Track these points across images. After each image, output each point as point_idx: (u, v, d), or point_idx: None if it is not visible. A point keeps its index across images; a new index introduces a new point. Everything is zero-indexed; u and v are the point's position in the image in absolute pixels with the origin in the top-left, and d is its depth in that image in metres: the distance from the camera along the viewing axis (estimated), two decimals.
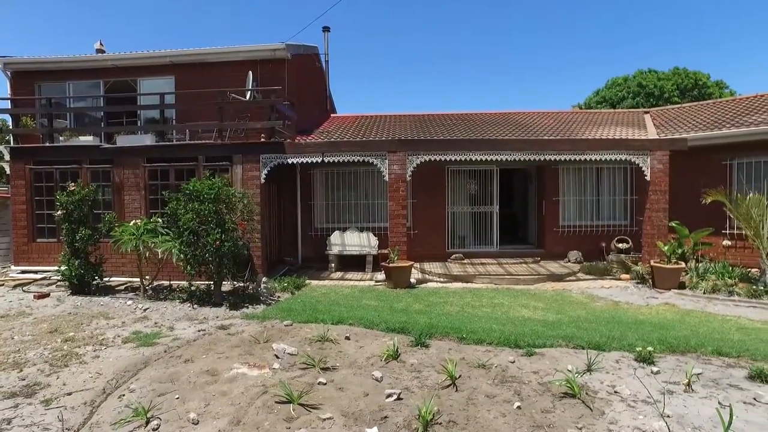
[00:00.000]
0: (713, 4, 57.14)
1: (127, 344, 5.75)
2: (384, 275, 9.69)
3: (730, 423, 3.37)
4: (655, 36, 58.97)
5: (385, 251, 10.09)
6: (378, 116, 15.37)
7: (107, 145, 10.80)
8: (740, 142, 10.60)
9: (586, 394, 4.11)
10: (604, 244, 11.94)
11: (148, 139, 10.68)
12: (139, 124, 12.67)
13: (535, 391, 4.19)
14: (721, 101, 15.12)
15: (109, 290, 8.98)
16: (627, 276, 10.20)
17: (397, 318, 6.65)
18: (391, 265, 9.48)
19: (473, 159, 10.32)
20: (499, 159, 10.41)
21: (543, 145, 10.35)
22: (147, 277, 8.86)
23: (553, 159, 10.51)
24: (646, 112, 15.49)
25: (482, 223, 12.90)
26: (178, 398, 4.10)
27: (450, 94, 67.72)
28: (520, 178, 15.46)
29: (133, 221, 8.70)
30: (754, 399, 4.10)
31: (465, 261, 11.96)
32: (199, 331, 6.30)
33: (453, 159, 10.43)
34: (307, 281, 9.93)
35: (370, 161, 10.25)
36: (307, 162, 10.40)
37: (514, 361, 4.91)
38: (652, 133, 12.13)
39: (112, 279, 9.56)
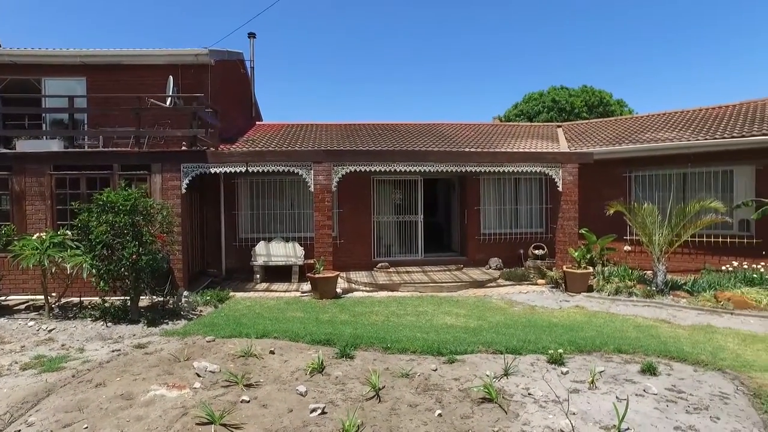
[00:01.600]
0: (614, 30, 62.21)
1: (27, 371, 5.27)
2: (310, 286, 9.65)
3: (624, 415, 3.73)
4: (567, 54, 63.19)
5: (311, 261, 10.05)
6: (304, 125, 15.31)
7: (5, 150, 9.95)
8: (637, 157, 11.67)
9: (503, 397, 4.35)
10: (522, 251, 12.61)
11: (55, 145, 9.95)
12: (44, 128, 11.78)
13: (455, 398, 4.38)
14: (621, 118, 16.54)
15: (6, 310, 8.21)
16: (543, 281, 10.84)
17: (322, 329, 6.66)
18: (316, 275, 9.47)
19: (399, 170, 10.56)
20: (423, 170, 10.73)
21: (465, 157, 10.79)
22: (53, 294, 8.22)
23: (474, 170, 10.97)
24: (559, 126, 16.58)
25: (407, 232, 13.19)
26: (86, 428, 3.85)
27: (377, 104, 68.59)
28: (443, 188, 15.98)
29: (37, 234, 8.07)
30: (644, 391, 4.55)
31: (391, 270, 12.16)
32: (113, 351, 5.94)
33: (379, 170, 10.62)
34: (232, 294, 9.68)
35: (296, 171, 10.19)
36: (231, 171, 10.16)
37: (436, 369, 5.09)
38: (563, 146, 13.02)
39: (10, 298, 8.79)
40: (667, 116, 14.11)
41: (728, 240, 10.72)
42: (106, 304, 7.79)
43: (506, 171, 10.98)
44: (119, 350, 5.95)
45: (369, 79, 72.72)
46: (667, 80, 60.68)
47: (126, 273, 7.23)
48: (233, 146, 11.69)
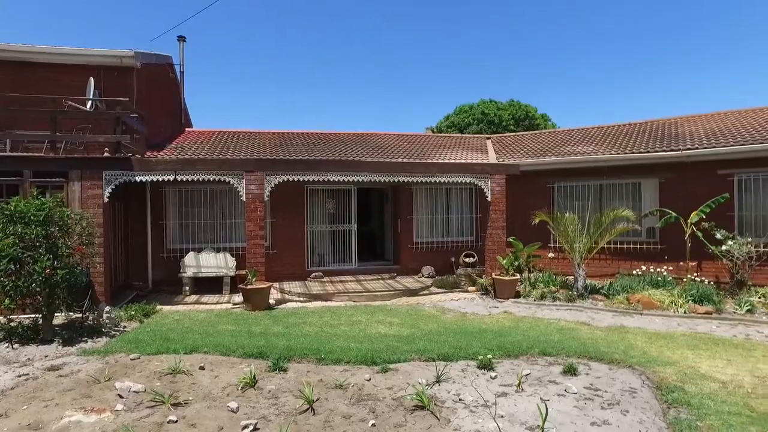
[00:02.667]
0: (540, 48, 65.80)
1: None
2: (242, 297, 9.42)
3: (546, 415, 3.95)
4: (496, 68, 65.94)
5: (243, 272, 9.83)
6: (236, 132, 14.97)
7: None
8: (559, 169, 12.41)
9: (435, 404, 4.47)
10: (453, 259, 12.99)
11: None
12: None
13: (389, 407, 4.44)
14: (545, 132, 17.53)
15: None
16: (473, 288, 11.21)
17: (255, 342, 6.53)
18: (249, 286, 9.26)
19: (332, 179, 10.58)
20: (357, 179, 10.82)
21: (398, 168, 10.99)
22: None
23: (407, 180, 11.20)
24: (488, 138, 17.28)
25: (341, 241, 13.21)
26: None
27: (311, 112, 68.18)
28: (377, 197, 16.17)
29: None
30: (565, 391, 4.84)
31: (325, 279, 12.12)
32: (19, 376, 5.40)
33: (312, 179, 10.58)
34: (159, 307, 9.24)
35: (227, 180, 9.95)
36: (158, 179, 9.74)
37: (370, 379, 5.14)
38: (492, 157, 13.59)
39: None
40: (585, 131, 15.10)
41: (638, 246, 11.62)
42: (12, 324, 7.15)
43: (438, 181, 11.30)
44: (27, 374, 5.48)
45: (304, 88, 72.24)
46: (587, 96, 64.84)
47: (38, 288, 6.72)
48: (161, 153, 11.23)
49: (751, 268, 9.75)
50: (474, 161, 12.76)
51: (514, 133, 19.59)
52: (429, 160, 12.43)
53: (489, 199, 11.28)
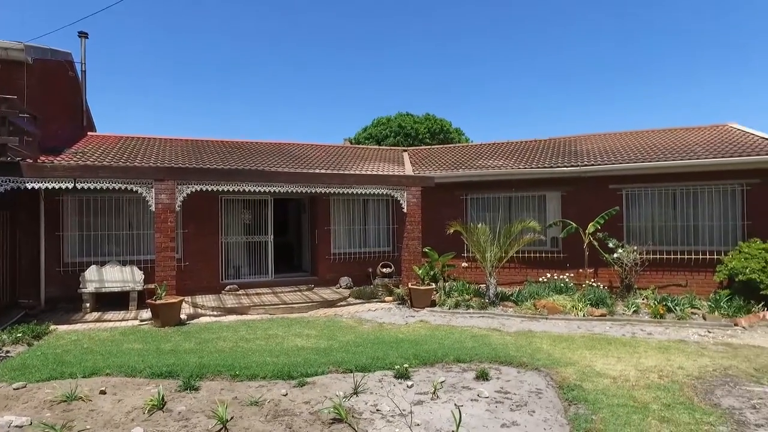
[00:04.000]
0: (453, 64, 68.71)
1: None
2: (151, 313, 8.88)
3: (460, 421, 4.11)
4: (414, 82, 67.82)
5: (152, 286, 9.27)
6: (145, 138, 14.15)
7: None
8: (472, 181, 12.99)
9: (353, 416, 4.47)
10: (371, 270, 13.11)
11: None
12: None
13: (306, 421, 4.39)
14: (459, 146, 18.29)
15: None
16: (390, 298, 11.38)
17: (164, 361, 6.17)
18: (158, 301, 8.75)
19: (248, 189, 10.31)
20: (274, 190, 10.63)
21: (315, 179, 10.94)
22: None
23: (325, 191, 11.17)
24: (405, 151, 17.68)
25: (258, 253, 12.88)
26: None
27: (227, 120, 66.04)
28: (294, 208, 15.96)
29: None
30: (478, 395, 5.06)
31: (240, 292, 11.74)
32: None
33: (227, 189, 10.25)
34: (53, 327, 8.45)
35: (135, 189, 9.36)
36: (54, 187, 8.95)
37: (286, 394, 5.05)
38: (408, 170, 13.94)
39: None
40: (496, 146, 15.95)
41: (543, 255, 12.43)
42: None
43: (355, 192, 11.39)
44: None
45: (220, 98, 69.84)
46: (498, 112, 68.50)
47: None
48: (58, 158, 10.33)
49: (637, 273, 10.78)
50: (391, 173, 13.02)
51: (429, 146, 20.26)
52: (346, 172, 12.51)
53: (405, 210, 11.54)
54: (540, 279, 11.93)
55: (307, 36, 68.71)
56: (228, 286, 11.89)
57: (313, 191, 10.95)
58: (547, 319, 9.20)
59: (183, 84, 68.60)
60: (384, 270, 12.58)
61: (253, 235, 12.83)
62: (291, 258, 15.69)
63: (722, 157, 10.71)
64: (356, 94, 67.06)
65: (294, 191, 10.69)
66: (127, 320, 9.20)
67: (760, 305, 9.36)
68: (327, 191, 11.12)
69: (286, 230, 16.66)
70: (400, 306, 10.79)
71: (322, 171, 12.16)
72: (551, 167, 12.12)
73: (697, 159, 10.85)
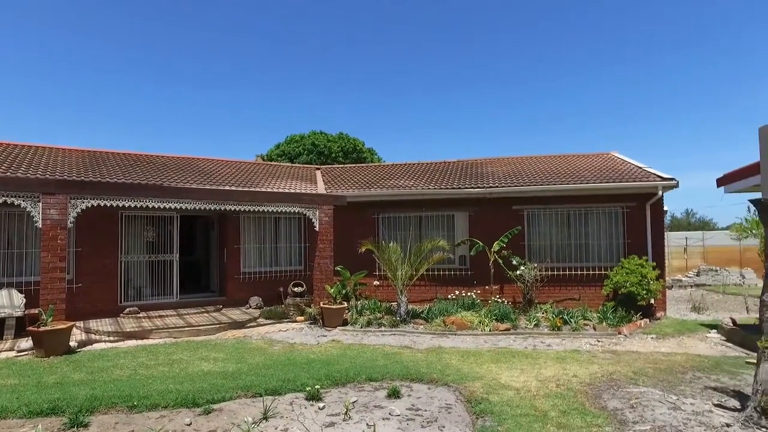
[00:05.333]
0: (368, 85, 70.07)
1: None
2: (32, 342, 7.98)
3: None
4: (328, 101, 68.10)
5: (36, 311, 8.37)
6: (32, 147, 12.89)
7: None
8: (384, 201, 13.23)
9: None
10: (282, 289, 12.82)
11: None
12: None
13: None
14: (372, 165, 18.59)
15: None
16: (302, 318, 11.18)
17: (46, 396, 5.55)
18: (42, 328, 7.89)
19: (153, 206, 9.72)
20: (180, 206, 10.12)
21: (225, 196, 10.57)
22: None
23: (235, 208, 10.82)
24: (318, 169, 17.66)
25: (162, 273, 12.12)
26: None
27: (131, 134, 62.02)
28: (202, 225, 15.28)
29: None
30: (390, 414, 5.09)
31: (141, 315, 10.95)
32: None
33: (129, 204, 9.59)
34: None
35: (17, 203, 8.46)
36: None
37: (191, 423, 4.76)
38: (321, 188, 13.91)
39: None
40: (407, 166, 16.41)
41: (452, 272, 12.90)
42: None
43: (267, 210, 11.15)
44: None
45: (123, 114, 65.47)
46: (410, 133, 70.60)
47: None
48: None
49: (537, 289, 11.54)
50: (303, 191, 12.92)
51: (342, 165, 20.41)
52: (258, 189, 12.23)
53: (317, 229, 11.47)
54: (449, 296, 12.35)
55: (219, 54, 66.73)
56: (127, 309, 11.05)
57: (223, 208, 10.56)
58: (456, 335, 9.51)
59: (82, 93, 63.55)
60: (296, 289, 12.36)
61: (158, 254, 12.07)
62: (198, 277, 14.96)
63: (607, 182, 11.86)
64: (270, 111, 66.03)
65: (202, 208, 10.24)
66: (2, 352, 8.17)
67: (638, 315, 10.44)
68: (237, 209, 10.77)
69: (194, 248, 15.87)
70: (312, 326, 10.64)
71: (233, 188, 11.79)
72: (459, 188, 12.68)
73: (587, 183, 11.92)
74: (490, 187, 12.50)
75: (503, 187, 12.42)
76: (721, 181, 10.98)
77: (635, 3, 72.19)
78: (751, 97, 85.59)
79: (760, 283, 5.17)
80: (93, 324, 9.97)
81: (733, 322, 9.55)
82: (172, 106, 67.34)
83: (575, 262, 12.32)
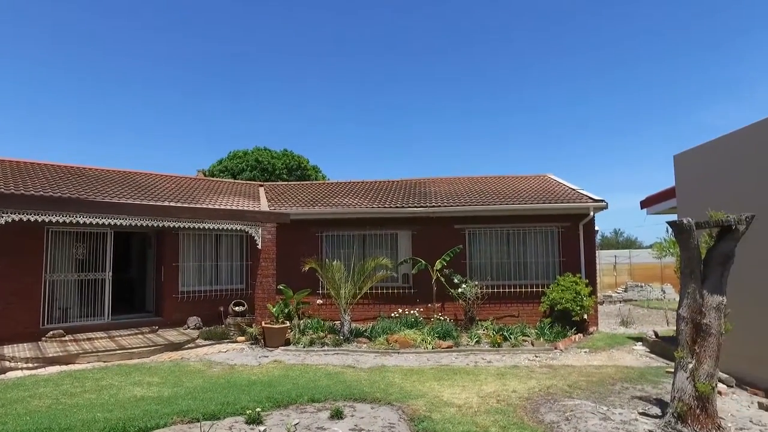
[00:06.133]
0: (312, 103, 70.06)
1: None
2: None
3: None
4: (272, 118, 67.39)
5: None
6: None
7: None
8: (328, 219, 13.21)
9: None
10: (222, 308, 12.43)
11: None
12: None
13: None
14: (316, 183, 18.55)
15: None
16: (243, 338, 10.88)
17: None
18: None
19: (84, 221, 9.22)
20: (115, 222, 9.65)
21: (164, 212, 10.19)
22: None
23: (174, 225, 10.44)
24: (261, 185, 17.39)
25: (92, 292, 11.44)
26: None
27: (67, 147, 58.62)
28: (138, 242, 14.61)
29: None
30: None
31: (67, 338, 10.26)
32: None
33: (57, 220, 9.04)
34: None
35: None
36: None
37: None
38: (264, 205, 13.70)
39: None
40: (352, 185, 16.48)
41: (395, 291, 13.00)
42: None
43: (207, 227, 10.85)
44: None
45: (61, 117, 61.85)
46: (353, 152, 70.97)
47: None
48: None
49: (478, 306, 11.83)
50: (246, 208, 12.67)
51: (286, 182, 20.22)
52: (198, 205, 11.88)
53: (260, 246, 11.27)
54: (392, 314, 12.42)
55: (163, 67, 64.71)
56: (51, 332, 10.31)
57: (161, 225, 10.17)
58: (399, 353, 9.56)
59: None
60: (236, 308, 12.02)
61: (88, 272, 11.39)
62: (133, 297, 14.24)
63: (543, 203, 12.44)
64: (214, 125, 64.52)
65: (139, 224, 9.81)
66: None
67: (573, 330, 10.92)
68: (177, 225, 10.41)
69: (129, 266, 15.11)
70: (254, 346, 10.37)
71: (172, 203, 11.40)
72: (403, 207, 12.88)
73: (525, 204, 12.45)
74: (433, 206, 12.78)
75: (446, 206, 12.73)
76: (644, 204, 11.82)
77: (565, 32, 76.80)
78: (675, 123, 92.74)
79: (678, 298, 5.58)
80: (8, 350, 9.22)
81: (656, 334, 10.22)
82: (108, 119, 64.45)
83: (514, 279, 12.76)
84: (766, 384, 6.54)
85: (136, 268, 14.83)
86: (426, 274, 12.24)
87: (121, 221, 9.55)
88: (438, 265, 12.04)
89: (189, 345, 10.28)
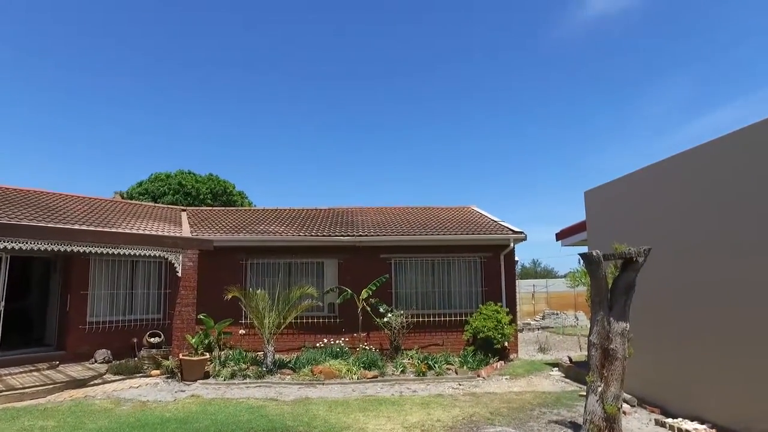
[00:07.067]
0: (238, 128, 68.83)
1: None
2: None
3: None
4: (198, 141, 65.28)
5: None
6: None
7: None
8: (253, 246, 12.87)
9: None
10: (136, 340, 11.62)
11: None
12: None
13: None
14: (242, 209, 18.09)
15: None
16: (158, 372, 10.20)
17: None
18: None
19: None
20: (12, 246, 8.82)
21: (73, 235, 9.48)
22: None
23: (85, 250, 9.72)
24: (184, 210, 16.66)
25: None
26: None
27: None
28: (40, 267, 13.39)
29: None
30: None
31: None
32: None
33: None
34: None
35: None
36: None
37: None
38: (186, 230, 13.12)
39: None
40: (278, 212, 16.22)
41: (321, 320, 12.82)
42: None
43: (123, 253, 10.20)
44: None
45: None
46: (282, 179, 70.12)
47: None
48: None
49: (404, 336, 11.91)
50: (166, 233, 12.08)
51: (211, 208, 19.51)
52: (113, 229, 11.16)
53: (180, 274, 10.74)
54: (318, 344, 12.19)
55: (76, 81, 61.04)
56: None
57: (68, 249, 9.42)
58: (324, 384, 9.37)
59: None
60: (152, 340, 11.29)
61: None
62: (30, 328, 12.94)
63: (467, 234, 12.90)
64: (134, 147, 61.41)
65: (41, 249, 9.04)
66: None
67: (495, 357, 11.27)
68: (86, 250, 9.68)
69: (28, 294, 13.76)
70: (170, 380, 9.74)
71: (83, 227, 10.60)
72: (329, 236, 12.83)
73: (449, 235, 12.85)
74: (360, 235, 12.85)
75: (372, 236, 12.84)
76: (559, 236, 12.60)
77: (483, 73, 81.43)
78: (589, 159, 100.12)
79: (589, 325, 5.96)
80: None
81: (570, 359, 10.78)
82: (15, 134, 59.34)
83: (439, 308, 13.01)
84: (661, 402, 7.11)
85: (37, 297, 13.55)
86: (352, 304, 12.19)
87: (21, 245, 8.77)
88: (364, 294, 12.04)
89: (95, 381, 9.47)
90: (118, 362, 10.55)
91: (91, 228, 10.69)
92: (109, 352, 11.20)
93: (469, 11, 69.48)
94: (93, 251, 9.73)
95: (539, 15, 72.62)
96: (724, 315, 6.18)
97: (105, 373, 10.00)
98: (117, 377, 9.86)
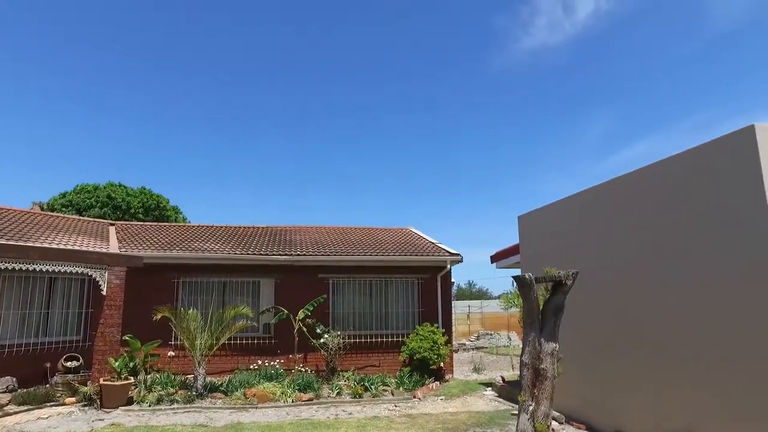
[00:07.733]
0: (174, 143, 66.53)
1: None
2: None
3: None
4: (128, 153, 62.31)
5: None
6: None
7: None
8: (186, 264, 12.35)
9: None
10: (49, 365, 10.71)
11: None
12: None
13: None
14: (175, 225, 17.39)
15: None
16: (73, 399, 9.45)
17: None
18: None
19: None
20: None
21: None
22: None
23: None
24: (112, 224, 15.78)
25: None
26: None
27: None
28: None
29: None
30: None
31: None
32: None
33: None
34: None
35: None
36: None
37: None
38: (114, 246, 12.40)
39: None
40: (213, 229, 15.72)
41: (256, 341, 12.43)
42: None
43: (38, 269, 9.48)
44: None
45: None
46: (217, 195, 68.14)
47: None
48: None
49: (340, 357, 11.78)
50: (90, 249, 11.35)
51: (142, 223, 18.61)
52: (29, 243, 10.36)
53: (104, 292, 10.15)
54: (251, 366, 11.80)
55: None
56: None
57: None
58: (257, 408, 9.06)
59: None
60: (68, 364, 10.45)
61: None
62: None
63: (405, 255, 13.06)
64: (58, 155, 57.64)
65: None
66: None
67: (431, 378, 11.37)
68: None
69: None
70: (86, 408, 9.06)
71: None
72: (266, 254, 12.56)
73: (388, 256, 12.95)
74: (297, 254, 12.68)
75: (310, 255, 12.71)
76: (493, 258, 13.01)
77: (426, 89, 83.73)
78: (524, 183, 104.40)
79: (522, 345, 6.16)
80: None
81: (503, 379, 11.06)
82: None
83: (376, 329, 13.00)
84: (586, 419, 7.45)
85: None
86: (288, 324, 11.93)
87: None
88: (301, 314, 11.84)
89: None
90: (25, 391, 9.60)
91: (2, 242, 9.86)
92: (14, 379, 10.16)
93: (405, 35, 71.41)
94: (3, 267, 8.98)
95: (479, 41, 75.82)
96: (633, 330, 6.67)
97: (7, 404, 9.07)
98: (22, 408, 8.96)
